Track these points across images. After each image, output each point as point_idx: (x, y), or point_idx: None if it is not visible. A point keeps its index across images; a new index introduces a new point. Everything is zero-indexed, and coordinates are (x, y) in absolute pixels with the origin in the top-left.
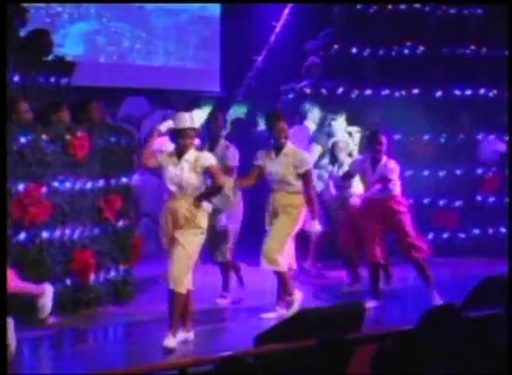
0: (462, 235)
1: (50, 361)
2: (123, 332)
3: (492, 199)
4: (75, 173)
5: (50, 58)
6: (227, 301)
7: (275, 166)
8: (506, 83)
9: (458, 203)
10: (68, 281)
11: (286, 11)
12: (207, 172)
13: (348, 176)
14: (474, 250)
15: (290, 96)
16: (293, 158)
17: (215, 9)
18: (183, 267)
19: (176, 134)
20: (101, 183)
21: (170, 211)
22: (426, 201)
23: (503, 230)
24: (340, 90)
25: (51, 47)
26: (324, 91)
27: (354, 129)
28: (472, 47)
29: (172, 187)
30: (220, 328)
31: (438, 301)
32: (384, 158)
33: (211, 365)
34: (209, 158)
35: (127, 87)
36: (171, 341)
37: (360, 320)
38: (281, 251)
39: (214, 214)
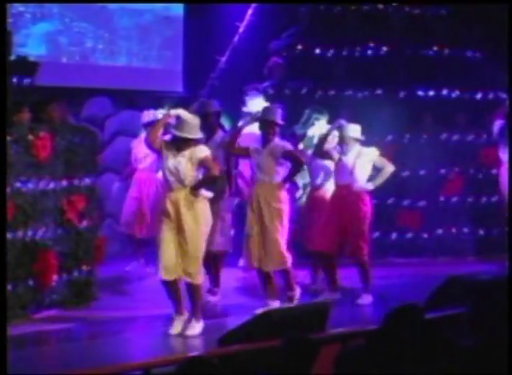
0: (425, 235)
1: (12, 363)
2: (87, 333)
3: (455, 199)
4: (37, 173)
5: (12, 58)
6: (217, 298)
7: (261, 157)
8: (468, 84)
9: (421, 203)
10: (30, 282)
11: (250, 11)
12: (201, 163)
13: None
14: (438, 250)
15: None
16: (279, 151)
17: (179, 9)
18: (195, 260)
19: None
20: (64, 183)
21: (171, 201)
22: (390, 201)
23: (465, 230)
24: (304, 90)
25: (13, 47)
26: (287, 91)
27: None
28: (436, 47)
29: (171, 179)
30: (215, 325)
31: (367, 301)
32: None
33: (174, 365)
34: (203, 150)
35: (90, 88)
36: (192, 330)
37: (324, 320)
38: (285, 250)
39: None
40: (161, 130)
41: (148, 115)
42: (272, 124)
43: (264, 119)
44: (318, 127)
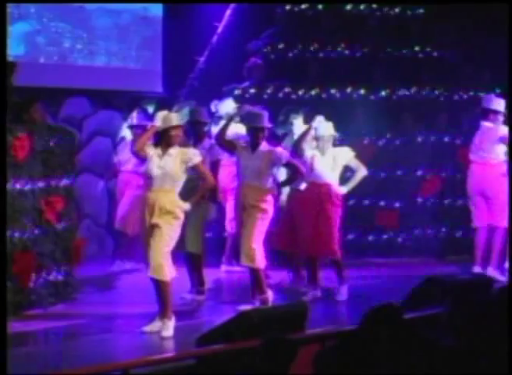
0: (403, 236)
1: None
2: (65, 333)
3: (432, 200)
4: (15, 174)
5: None
6: (203, 297)
7: (251, 160)
8: (445, 84)
9: (399, 204)
10: (8, 283)
11: (228, 12)
12: (194, 169)
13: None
14: (415, 250)
15: (232, 97)
16: (269, 155)
17: (157, 10)
18: (162, 255)
19: (165, 132)
20: (41, 184)
21: (148, 201)
22: (367, 201)
23: (443, 230)
24: (282, 91)
25: None
26: (266, 91)
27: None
28: (413, 48)
29: (153, 178)
30: (197, 324)
31: (343, 298)
32: None
33: (153, 366)
34: (196, 154)
35: (68, 88)
36: (167, 331)
37: (303, 320)
38: (258, 248)
39: None
40: (148, 142)
41: (136, 117)
42: (261, 130)
43: (253, 126)
44: (296, 127)
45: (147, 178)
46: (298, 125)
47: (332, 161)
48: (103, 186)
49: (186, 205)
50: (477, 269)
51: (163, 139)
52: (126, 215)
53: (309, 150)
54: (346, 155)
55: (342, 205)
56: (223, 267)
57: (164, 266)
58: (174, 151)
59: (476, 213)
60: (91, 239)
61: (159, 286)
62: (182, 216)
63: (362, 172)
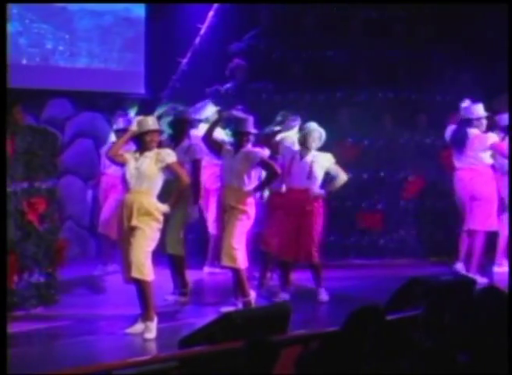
0: (385, 237)
1: None
2: (47, 335)
3: (414, 201)
4: None
5: None
6: (186, 299)
7: (232, 162)
8: (427, 86)
9: (382, 205)
10: None
11: (211, 13)
12: (168, 169)
13: None
14: (397, 252)
15: (215, 98)
16: (248, 156)
17: (140, 11)
18: (143, 255)
19: (141, 136)
20: (24, 185)
21: (126, 204)
22: (350, 203)
23: (425, 231)
24: (265, 92)
25: None
26: (248, 92)
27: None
28: (395, 50)
29: (130, 181)
30: (182, 325)
31: (325, 298)
32: None
33: (136, 367)
34: (171, 155)
35: (50, 89)
36: (150, 333)
37: (285, 322)
38: (239, 249)
39: None
40: (122, 147)
41: (121, 121)
42: (245, 134)
43: (237, 130)
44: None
45: (125, 181)
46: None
47: (314, 165)
48: (86, 188)
49: (165, 207)
50: (459, 265)
51: (140, 143)
52: (110, 218)
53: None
54: (326, 161)
55: (324, 212)
56: (206, 269)
57: (146, 266)
58: (150, 153)
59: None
60: (74, 241)
61: (141, 286)
62: (161, 218)
63: (343, 177)
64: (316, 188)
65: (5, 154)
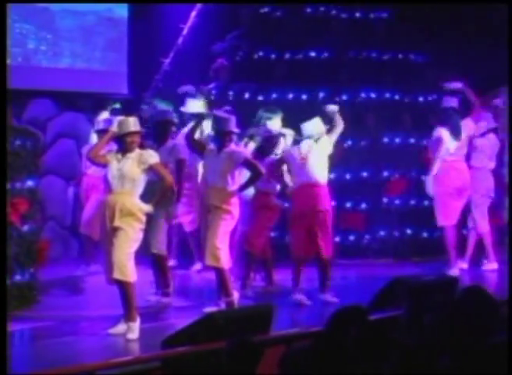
0: (368, 237)
1: None
2: (30, 336)
3: (397, 201)
4: None
5: None
6: (169, 299)
7: (215, 162)
8: (410, 86)
9: (364, 205)
10: None
11: (193, 13)
12: (151, 169)
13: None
14: (380, 252)
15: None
16: (231, 156)
17: (123, 11)
18: (126, 256)
19: (122, 138)
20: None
21: (108, 204)
22: (332, 203)
23: (408, 231)
24: (247, 92)
25: None
26: (231, 93)
27: (288, 131)
28: (377, 50)
29: (113, 181)
30: (163, 326)
31: (331, 299)
32: None
33: (119, 368)
34: (153, 156)
35: (33, 90)
36: (132, 334)
37: (268, 322)
38: (222, 249)
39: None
40: (103, 148)
41: (102, 122)
42: (228, 133)
43: (220, 130)
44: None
45: (107, 182)
46: (274, 125)
47: (315, 156)
48: (68, 188)
49: (148, 207)
50: (454, 271)
51: (121, 144)
52: (92, 219)
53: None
54: (326, 146)
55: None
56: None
57: (128, 267)
58: (132, 154)
59: (445, 212)
60: (56, 241)
61: (123, 287)
62: (143, 218)
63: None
64: (324, 179)
65: (5, 154)
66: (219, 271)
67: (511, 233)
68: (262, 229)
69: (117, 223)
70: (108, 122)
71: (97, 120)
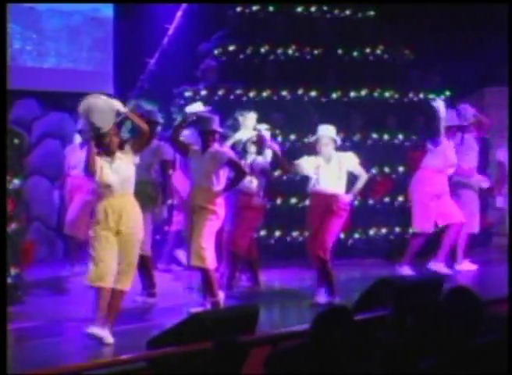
0: (355, 236)
1: None
2: (15, 336)
3: (385, 200)
4: None
5: None
6: (154, 300)
7: (200, 162)
8: (397, 85)
9: (350, 205)
10: None
11: (179, 13)
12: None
13: None
14: (366, 251)
15: (184, 99)
16: (215, 156)
17: (108, 11)
18: (133, 267)
19: (98, 140)
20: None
21: (113, 209)
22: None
23: (394, 231)
24: (235, 93)
25: None
26: (219, 93)
27: (264, 127)
28: (364, 50)
29: (114, 185)
30: (150, 326)
31: (323, 300)
32: None
33: (105, 368)
34: (129, 144)
35: (18, 90)
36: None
37: (254, 322)
38: (208, 249)
39: None
40: (95, 159)
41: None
42: (212, 133)
43: (203, 129)
44: (245, 130)
45: (103, 187)
46: (247, 127)
47: (338, 169)
48: (53, 188)
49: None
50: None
51: (100, 146)
52: (77, 219)
53: (312, 159)
54: (351, 161)
55: (347, 213)
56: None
57: (132, 277)
58: (120, 154)
59: (425, 217)
60: (41, 241)
61: (119, 295)
62: (141, 216)
63: (364, 177)
64: (343, 192)
65: (5, 154)
66: (205, 271)
67: (511, 234)
68: (246, 229)
69: (129, 229)
70: None
71: (80, 120)
